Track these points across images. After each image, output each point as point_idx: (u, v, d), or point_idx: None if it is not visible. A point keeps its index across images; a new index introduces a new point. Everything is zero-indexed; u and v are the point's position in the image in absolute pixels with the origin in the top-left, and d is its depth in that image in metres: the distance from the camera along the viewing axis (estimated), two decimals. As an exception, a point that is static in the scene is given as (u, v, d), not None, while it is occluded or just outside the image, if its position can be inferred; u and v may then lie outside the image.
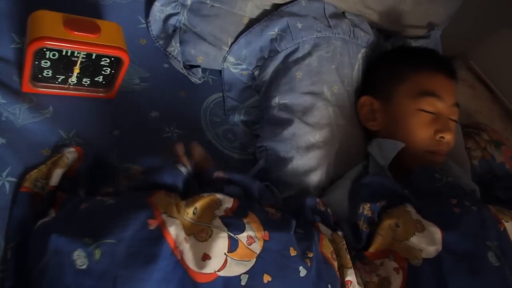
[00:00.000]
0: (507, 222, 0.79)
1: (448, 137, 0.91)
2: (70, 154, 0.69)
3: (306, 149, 0.89)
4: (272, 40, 0.96)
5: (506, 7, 1.40)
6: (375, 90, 0.99)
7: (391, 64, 1.00)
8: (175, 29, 0.92)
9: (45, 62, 0.69)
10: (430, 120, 0.92)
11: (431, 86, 0.93)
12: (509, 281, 0.69)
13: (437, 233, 0.72)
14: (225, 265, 0.58)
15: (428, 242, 0.71)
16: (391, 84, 0.96)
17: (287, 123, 0.90)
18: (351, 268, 0.69)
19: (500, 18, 1.40)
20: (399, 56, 1.01)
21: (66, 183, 0.67)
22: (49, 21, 0.67)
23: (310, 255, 0.65)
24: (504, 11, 1.41)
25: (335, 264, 0.69)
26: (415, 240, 0.72)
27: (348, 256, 0.71)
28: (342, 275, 0.68)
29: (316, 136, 0.90)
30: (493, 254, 0.71)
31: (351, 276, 0.68)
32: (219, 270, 0.57)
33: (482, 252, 0.71)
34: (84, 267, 0.53)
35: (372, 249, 0.75)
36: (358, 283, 0.69)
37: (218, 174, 0.72)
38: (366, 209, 0.78)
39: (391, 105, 0.95)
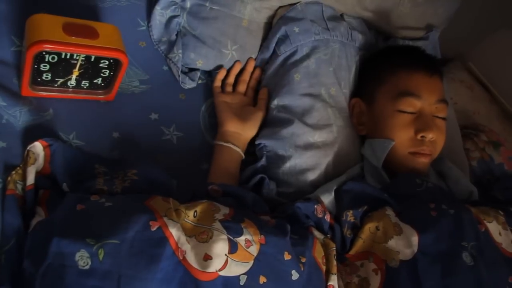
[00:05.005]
0: (490, 222, 0.81)
1: (430, 135, 0.88)
2: (34, 148, 0.67)
3: (304, 148, 0.89)
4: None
5: (504, 9, 1.40)
6: (363, 92, 0.99)
7: (374, 66, 1.00)
8: (177, 34, 0.92)
9: (44, 66, 0.70)
10: (410, 120, 0.90)
11: (408, 85, 0.91)
12: (483, 279, 0.71)
13: (414, 235, 0.74)
14: (226, 265, 0.60)
15: (405, 244, 0.74)
16: (373, 87, 0.96)
17: (287, 122, 0.90)
18: (335, 274, 0.72)
19: (498, 20, 1.40)
20: (380, 58, 1.01)
21: (46, 181, 0.67)
22: (47, 24, 0.67)
23: (303, 260, 0.68)
24: (502, 12, 1.41)
25: (324, 268, 0.72)
26: (393, 243, 0.75)
27: (335, 262, 0.73)
28: (327, 280, 0.71)
29: (315, 136, 0.90)
30: (468, 254, 0.73)
31: (333, 281, 0.71)
32: (220, 270, 0.59)
33: (457, 253, 0.73)
34: (87, 267, 0.54)
35: (352, 252, 0.78)
36: (339, 286, 0.72)
37: (213, 187, 0.75)
38: (349, 216, 0.79)
39: (374, 108, 0.95)
